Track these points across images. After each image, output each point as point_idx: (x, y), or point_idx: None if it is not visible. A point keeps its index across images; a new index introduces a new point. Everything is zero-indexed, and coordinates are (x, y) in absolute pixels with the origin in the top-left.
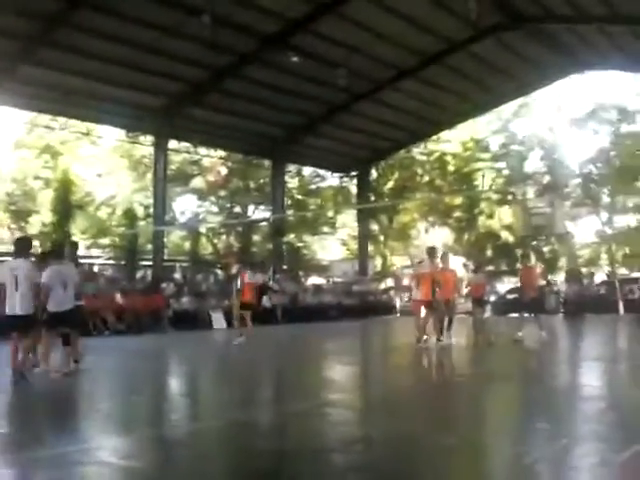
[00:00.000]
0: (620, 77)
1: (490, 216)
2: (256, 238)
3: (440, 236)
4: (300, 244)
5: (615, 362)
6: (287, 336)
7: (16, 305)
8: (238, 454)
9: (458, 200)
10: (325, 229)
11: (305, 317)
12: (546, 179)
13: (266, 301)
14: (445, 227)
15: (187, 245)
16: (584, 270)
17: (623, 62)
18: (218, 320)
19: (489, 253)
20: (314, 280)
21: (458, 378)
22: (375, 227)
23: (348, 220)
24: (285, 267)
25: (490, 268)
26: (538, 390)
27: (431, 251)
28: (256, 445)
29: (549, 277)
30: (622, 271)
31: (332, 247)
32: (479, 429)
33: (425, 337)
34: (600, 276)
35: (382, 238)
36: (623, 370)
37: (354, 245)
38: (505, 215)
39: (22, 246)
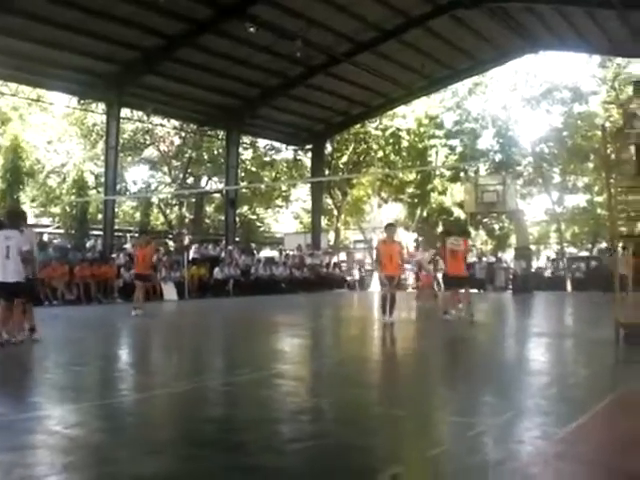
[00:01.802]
0: (574, 58)
1: (442, 192)
2: (209, 210)
3: (393, 211)
4: (253, 217)
5: (559, 338)
6: (237, 308)
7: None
8: (183, 422)
9: (411, 176)
10: (279, 202)
11: (257, 290)
12: (498, 157)
13: (217, 273)
14: (398, 202)
15: (138, 215)
16: (534, 248)
17: (578, 43)
18: (169, 291)
19: (440, 229)
20: (267, 253)
21: (405, 352)
22: (329, 201)
23: (302, 194)
24: (237, 239)
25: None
26: (483, 365)
27: (390, 228)
28: (201, 414)
29: (499, 254)
30: (571, 250)
31: (286, 220)
32: (427, 402)
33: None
34: (549, 254)
35: (336, 212)
36: (567, 346)
37: (308, 219)
38: (457, 192)
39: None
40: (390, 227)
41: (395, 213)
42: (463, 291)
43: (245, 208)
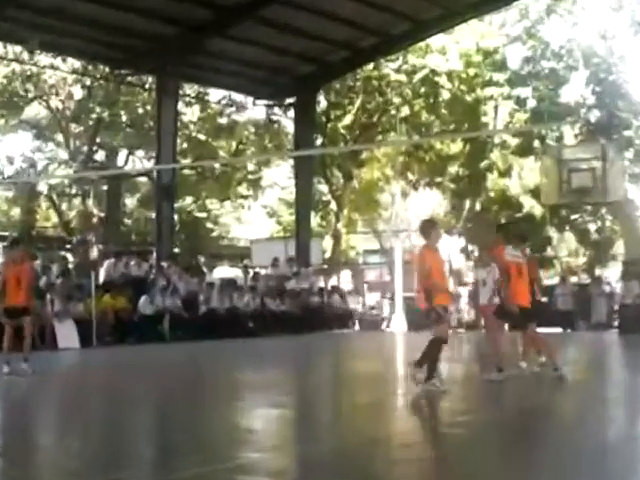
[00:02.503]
0: None
1: (505, 173)
2: (130, 204)
3: (426, 204)
4: (202, 214)
5: None
6: (176, 361)
7: None
8: None
9: (456, 147)
10: (243, 191)
11: (208, 331)
12: (595, 116)
13: (145, 305)
14: (434, 190)
15: (17, 213)
16: None
17: None
18: (66, 334)
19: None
20: (224, 272)
21: (448, 433)
22: (323, 188)
23: (280, 176)
24: (177, 250)
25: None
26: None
27: (427, 226)
28: None
29: (597, 272)
30: None
31: (254, 219)
32: None
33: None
34: None
35: (335, 206)
36: None
37: (290, 216)
38: (529, 172)
39: None
40: (433, 226)
41: (429, 207)
42: (528, 332)
43: (188, 200)
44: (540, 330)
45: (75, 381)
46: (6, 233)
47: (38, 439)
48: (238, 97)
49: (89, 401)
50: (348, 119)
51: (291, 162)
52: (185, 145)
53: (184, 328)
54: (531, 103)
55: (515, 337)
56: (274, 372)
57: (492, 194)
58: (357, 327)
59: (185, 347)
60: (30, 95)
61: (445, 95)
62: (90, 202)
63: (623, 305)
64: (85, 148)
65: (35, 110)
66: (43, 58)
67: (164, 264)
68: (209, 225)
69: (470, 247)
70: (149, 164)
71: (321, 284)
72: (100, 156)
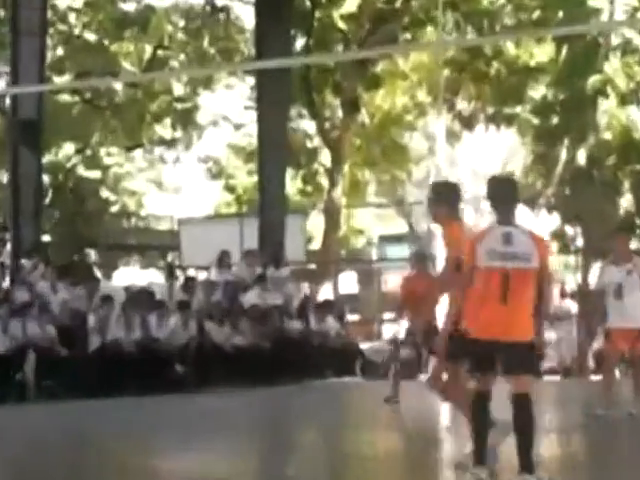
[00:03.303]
0: None
1: (629, 98)
2: None
3: (491, 152)
4: (92, 173)
5: None
6: (46, 434)
7: None
8: None
9: (543, 52)
10: (165, 132)
11: (102, 381)
12: None
13: None
14: (506, 128)
15: None
16: None
17: None
18: None
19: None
20: (133, 276)
21: None
22: (309, 127)
23: (232, 107)
24: (48, 238)
25: None
26: None
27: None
28: None
29: None
30: None
31: (185, 182)
32: None
33: None
34: None
35: (328, 158)
36: None
37: (248, 177)
38: None
39: None
40: (510, 183)
41: (496, 157)
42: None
43: (68, 149)
44: None
45: None
46: None
47: None
48: None
49: None
50: (351, 3)
51: (250, 81)
52: (61, 52)
53: (60, 375)
54: None
55: None
56: (223, 458)
57: (607, 135)
58: (367, 373)
59: (59, 411)
60: None
61: None
62: None
63: None
64: None
65: None
66: None
67: (25, 262)
68: (105, 193)
69: (570, 229)
70: None
71: (305, 296)
72: None
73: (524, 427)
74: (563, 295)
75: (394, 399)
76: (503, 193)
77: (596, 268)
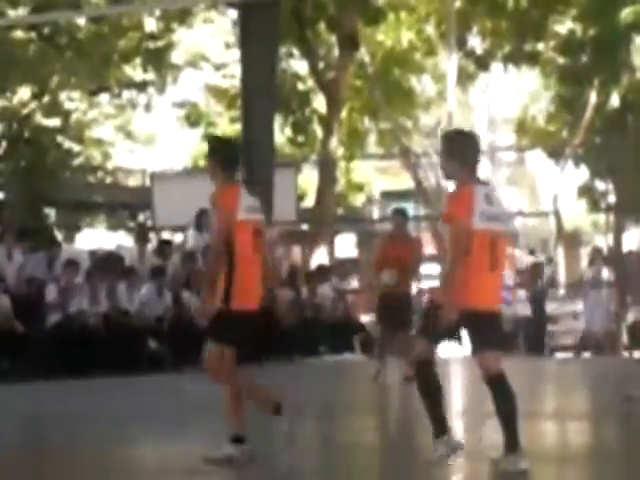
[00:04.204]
0: None
1: None
2: None
3: (510, 95)
4: (51, 121)
5: None
6: None
7: None
8: None
9: None
10: (135, 73)
11: (65, 360)
12: None
13: None
14: (527, 68)
15: None
16: None
17: None
18: None
19: None
20: (98, 239)
21: None
22: (301, 67)
23: (211, 44)
24: (1, 196)
25: None
26: None
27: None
28: None
29: None
30: None
31: (158, 131)
32: None
33: None
34: None
35: (323, 102)
36: None
37: (230, 125)
38: None
39: None
40: (476, 137)
41: (516, 101)
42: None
43: (23, 93)
44: None
45: None
46: None
47: None
48: None
49: None
50: None
51: (233, 15)
52: None
53: (17, 354)
54: None
55: None
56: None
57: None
58: (368, 349)
59: (14, 394)
60: None
61: None
62: None
63: None
64: None
65: None
66: None
67: None
68: (66, 144)
69: (600, 184)
70: None
71: (295, 261)
72: None
73: (499, 407)
74: (593, 260)
75: (380, 377)
76: (474, 148)
77: (631, 229)
